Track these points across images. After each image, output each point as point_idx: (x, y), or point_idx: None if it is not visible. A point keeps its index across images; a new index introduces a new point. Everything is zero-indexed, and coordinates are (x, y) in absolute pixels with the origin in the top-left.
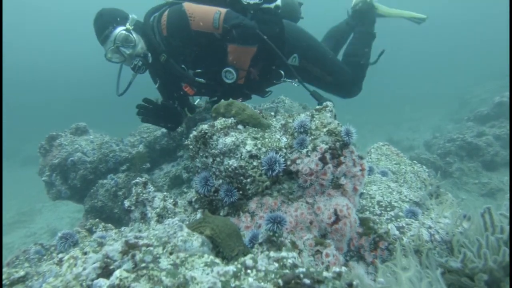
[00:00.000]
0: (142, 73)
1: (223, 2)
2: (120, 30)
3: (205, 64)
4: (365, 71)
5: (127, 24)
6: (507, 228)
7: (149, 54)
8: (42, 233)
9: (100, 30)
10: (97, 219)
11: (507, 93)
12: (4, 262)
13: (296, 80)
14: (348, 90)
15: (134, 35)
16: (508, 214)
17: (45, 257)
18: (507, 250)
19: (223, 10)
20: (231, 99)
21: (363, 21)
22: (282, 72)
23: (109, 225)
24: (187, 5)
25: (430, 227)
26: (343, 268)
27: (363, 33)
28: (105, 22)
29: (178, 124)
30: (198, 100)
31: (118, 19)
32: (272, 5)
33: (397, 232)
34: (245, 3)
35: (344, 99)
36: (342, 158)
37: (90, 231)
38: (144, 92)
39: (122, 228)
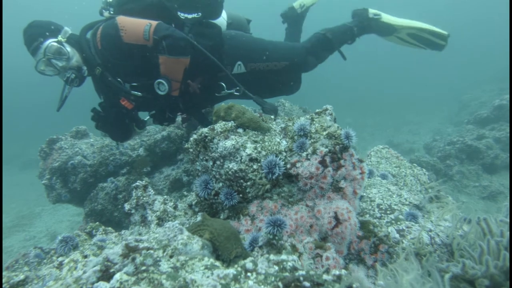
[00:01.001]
0: (76, 86)
1: (161, 16)
2: (50, 42)
3: (140, 77)
4: (329, 46)
5: (59, 36)
6: (507, 233)
7: (84, 68)
8: (42, 237)
9: (29, 41)
10: (97, 222)
11: (507, 96)
12: (4, 266)
13: (238, 88)
14: (306, 64)
15: (68, 48)
16: (507, 220)
17: (45, 260)
18: (508, 254)
19: (154, 23)
20: (230, 102)
21: (362, 24)
22: (224, 85)
23: (109, 228)
24: (119, 19)
25: (430, 230)
26: (343, 271)
27: (350, 28)
28: (34, 34)
29: (126, 137)
30: (148, 117)
31: (49, 32)
32: (215, 20)
33: (397, 235)
34: (183, 17)
35: (307, 72)
36: (342, 162)
37: (90, 235)
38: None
39: (122, 231)
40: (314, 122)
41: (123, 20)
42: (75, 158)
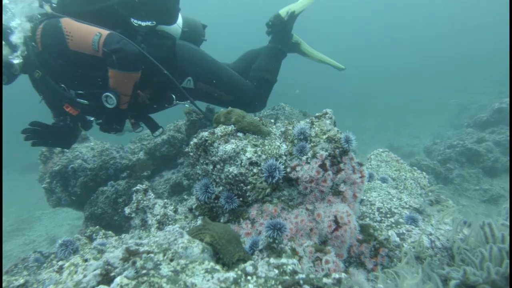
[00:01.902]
0: (5, 84)
1: (112, 23)
2: None
3: (86, 85)
4: (270, 87)
5: None
6: (508, 238)
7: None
8: (41, 241)
9: None
10: (97, 226)
11: (506, 99)
12: (3, 270)
13: (188, 101)
14: (251, 107)
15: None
16: (508, 223)
17: (44, 265)
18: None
19: (105, 33)
20: (229, 107)
21: (277, 37)
22: (174, 96)
23: (110, 232)
24: (64, 22)
25: (430, 234)
26: (343, 275)
27: (274, 48)
28: None
29: (71, 143)
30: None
31: None
32: (170, 27)
33: (397, 239)
34: (136, 25)
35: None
36: (341, 165)
37: (91, 238)
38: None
39: (123, 235)
40: (314, 126)
41: (69, 24)
42: (75, 162)
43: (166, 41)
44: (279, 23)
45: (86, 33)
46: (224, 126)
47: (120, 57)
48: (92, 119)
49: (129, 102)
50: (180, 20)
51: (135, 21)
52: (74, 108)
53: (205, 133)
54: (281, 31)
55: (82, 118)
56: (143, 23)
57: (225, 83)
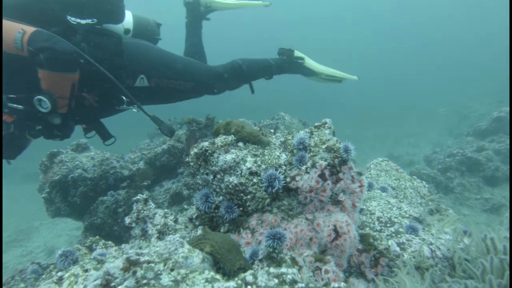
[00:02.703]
0: None
1: (46, 20)
2: None
3: (18, 89)
4: (239, 76)
5: None
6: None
7: None
8: (39, 252)
9: None
10: (97, 236)
11: (505, 108)
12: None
13: (136, 105)
14: (213, 88)
15: None
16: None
17: (43, 276)
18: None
19: (30, 29)
20: (228, 119)
21: (282, 63)
22: (124, 98)
23: (109, 242)
24: None
25: (431, 243)
26: (343, 284)
27: (268, 61)
28: None
29: (13, 153)
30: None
31: None
32: (118, 26)
33: (397, 249)
34: (74, 23)
35: (216, 95)
36: (340, 175)
37: (90, 249)
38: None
39: (123, 245)
40: (313, 135)
41: None
42: (75, 172)
43: (110, 39)
44: (287, 55)
45: (8, 30)
46: (224, 136)
47: (49, 57)
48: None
49: (70, 105)
50: (130, 18)
51: (73, 18)
52: (8, 114)
53: (206, 143)
54: (286, 62)
55: (23, 125)
56: (83, 21)
57: (181, 71)
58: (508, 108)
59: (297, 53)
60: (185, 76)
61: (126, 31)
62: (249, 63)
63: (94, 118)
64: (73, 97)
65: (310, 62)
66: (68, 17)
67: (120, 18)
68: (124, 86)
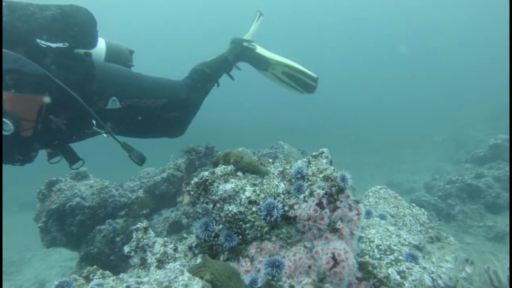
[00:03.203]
0: None
1: (13, 41)
2: None
3: None
4: (209, 82)
5: None
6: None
7: None
8: (29, 286)
9: None
10: (94, 266)
11: (501, 135)
12: None
13: (105, 131)
14: (186, 101)
15: None
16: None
17: None
18: None
19: None
20: (227, 150)
21: (236, 51)
22: (94, 122)
23: (107, 272)
24: None
25: (432, 272)
26: None
27: (223, 56)
28: None
29: None
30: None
31: None
32: (83, 52)
33: (398, 277)
34: (44, 46)
35: (193, 113)
36: (338, 203)
37: (88, 279)
38: None
39: (121, 275)
40: (311, 165)
41: None
42: (74, 200)
43: (81, 63)
44: (238, 42)
45: None
46: (223, 166)
47: (15, 78)
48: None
49: (36, 128)
50: (103, 45)
51: (43, 42)
52: None
53: (206, 173)
54: (238, 50)
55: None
56: (53, 45)
57: (152, 90)
58: (504, 136)
59: (247, 38)
60: (157, 94)
61: (106, 55)
62: (209, 65)
63: (62, 142)
64: (39, 120)
65: (261, 50)
66: (38, 41)
67: (91, 43)
68: (96, 108)
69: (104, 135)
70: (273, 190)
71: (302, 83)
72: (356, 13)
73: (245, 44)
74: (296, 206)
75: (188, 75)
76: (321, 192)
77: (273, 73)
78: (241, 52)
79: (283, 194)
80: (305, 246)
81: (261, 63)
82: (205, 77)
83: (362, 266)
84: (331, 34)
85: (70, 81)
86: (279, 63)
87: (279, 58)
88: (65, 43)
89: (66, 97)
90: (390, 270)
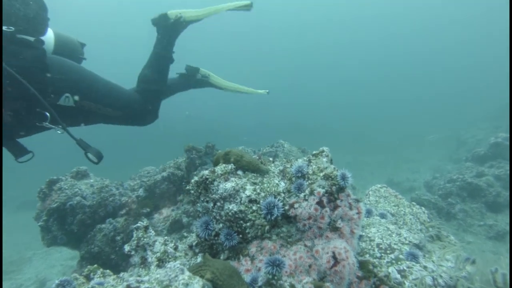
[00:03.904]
0: None
1: None
2: None
3: None
4: (159, 98)
5: None
6: None
7: None
8: (30, 285)
9: None
10: (95, 265)
11: (502, 134)
12: None
13: (60, 126)
14: (142, 120)
15: None
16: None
17: None
18: None
19: None
20: (227, 148)
21: (161, 40)
22: (48, 115)
23: (108, 271)
24: None
25: (432, 271)
26: None
27: (157, 55)
28: None
29: None
30: None
31: None
32: (33, 39)
33: (398, 276)
34: None
35: (143, 126)
36: (338, 202)
37: (88, 278)
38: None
39: (121, 274)
40: (311, 163)
41: None
42: (74, 199)
43: (31, 50)
44: (163, 23)
45: None
46: (224, 165)
47: None
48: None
49: None
50: (51, 34)
51: None
52: None
53: (206, 172)
54: (165, 34)
55: None
56: None
57: (110, 98)
58: (504, 134)
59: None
60: (114, 105)
61: (38, 41)
62: (157, 79)
63: (8, 135)
64: None
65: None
66: None
67: (40, 30)
68: (47, 102)
69: (58, 131)
70: (273, 189)
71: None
72: (356, 10)
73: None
74: (296, 205)
75: (138, 92)
76: (322, 190)
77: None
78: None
79: (284, 193)
80: (305, 245)
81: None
82: (156, 96)
83: (362, 265)
84: (331, 32)
85: (18, 69)
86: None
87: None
88: (10, 28)
89: (13, 85)
90: (390, 269)
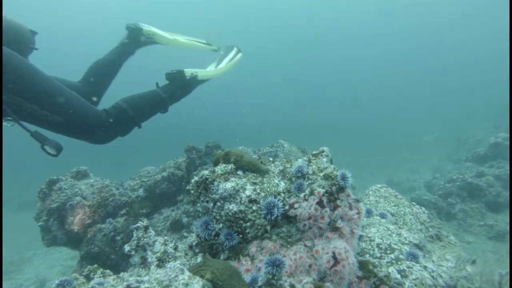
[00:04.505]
0: None
1: None
2: None
3: None
4: (126, 123)
5: None
6: None
7: None
8: (29, 285)
9: None
10: (95, 265)
11: (502, 134)
12: None
13: (10, 119)
14: (88, 134)
15: None
16: None
17: None
18: None
19: None
20: (227, 149)
21: (169, 89)
22: None
23: (108, 271)
24: None
25: (432, 271)
26: None
27: (158, 96)
28: None
29: None
30: None
31: None
32: None
33: (398, 276)
34: None
35: (94, 143)
36: (338, 202)
37: (88, 278)
38: None
39: (121, 274)
40: (311, 163)
41: None
42: (74, 199)
43: None
44: (179, 79)
45: None
46: (224, 165)
47: None
48: None
49: None
50: None
51: None
52: None
53: (206, 172)
54: (179, 87)
55: None
56: None
57: (49, 99)
58: (504, 134)
59: (188, 71)
60: (53, 108)
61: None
62: (134, 106)
63: None
64: None
65: (203, 73)
66: None
67: None
68: None
69: (8, 124)
70: (273, 189)
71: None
72: (357, 8)
73: (188, 77)
74: (296, 205)
75: (108, 109)
76: (322, 190)
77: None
78: (182, 91)
79: (284, 192)
80: (305, 245)
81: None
82: (125, 120)
83: (362, 265)
84: (331, 31)
85: None
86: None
87: (218, 71)
88: None
89: None
90: (390, 269)
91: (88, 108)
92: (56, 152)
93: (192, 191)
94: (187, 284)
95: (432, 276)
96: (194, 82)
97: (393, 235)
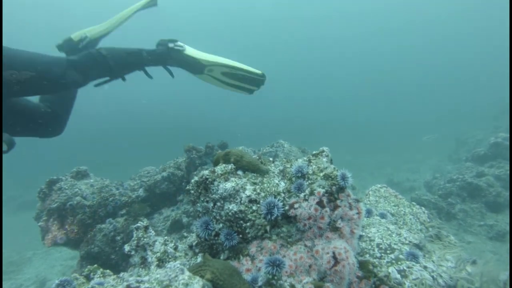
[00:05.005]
0: None
1: None
2: None
3: None
4: (99, 64)
5: None
6: None
7: None
8: (29, 285)
9: None
10: (95, 265)
11: (502, 134)
12: None
13: None
14: (62, 78)
15: None
16: None
17: None
18: None
19: None
20: (226, 149)
21: (158, 51)
22: None
23: (108, 271)
24: None
25: (432, 271)
26: None
27: (139, 51)
28: None
29: None
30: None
31: None
32: None
33: (398, 276)
34: None
35: (68, 88)
36: (338, 202)
37: (88, 278)
38: None
39: (121, 274)
40: (311, 163)
41: None
42: (74, 199)
43: None
44: (165, 44)
45: None
46: (224, 165)
47: None
48: None
49: None
50: None
51: None
52: None
53: (206, 172)
54: (164, 51)
55: None
56: None
57: (17, 58)
58: (504, 134)
59: (178, 43)
60: (19, 64)
61: None
62: (110, 49)
63: None
64: None
65: (192, 51)
66: None
67: None
68: None
69: None
70: (273, 189)
71: (248, 80)
72: (356, 7)
73: (170, 45)
74: (296, 205)
75: (80, 54)
76: (322, 190)
77: (211, 75)
78: (167, 54)
79: (284, 193)
80: (305, 245)
81: (194, 66)
82: (98, 59)
83: (362, 265)
84: (331, 30)
85: None
86: (214, 63)
87: (214, 58)
88: None
89: None
90: (390, 269)
91: (54, 58)
92: (7, 147)
93: (192, 191)
94: (187, 284)
95: (432, 276)
96: (177, 54)
97: (393, 235)
